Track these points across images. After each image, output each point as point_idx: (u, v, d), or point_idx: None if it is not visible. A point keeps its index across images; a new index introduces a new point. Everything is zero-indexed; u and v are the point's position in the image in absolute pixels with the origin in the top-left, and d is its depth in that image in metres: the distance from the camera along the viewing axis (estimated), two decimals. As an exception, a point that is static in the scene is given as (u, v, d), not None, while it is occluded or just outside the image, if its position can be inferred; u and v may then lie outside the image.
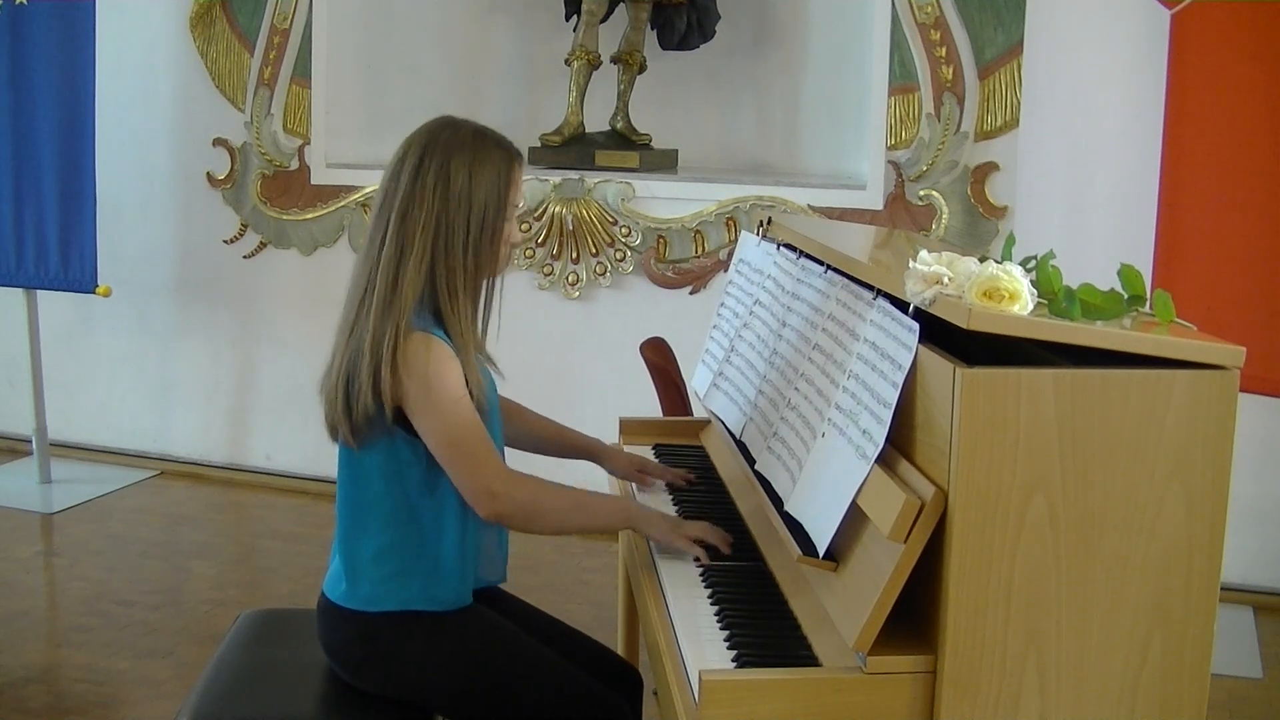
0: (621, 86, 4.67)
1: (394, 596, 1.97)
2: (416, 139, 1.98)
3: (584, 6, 4.56)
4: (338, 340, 1.97)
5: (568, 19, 4.69)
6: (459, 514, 1.97)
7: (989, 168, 4.03)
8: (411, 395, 1.88)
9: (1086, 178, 3.74)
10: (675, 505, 2.28)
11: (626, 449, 2.61)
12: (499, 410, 2.10)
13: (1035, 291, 1.59)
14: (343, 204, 4.66)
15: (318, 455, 4.70)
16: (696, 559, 2.03)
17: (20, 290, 4.61)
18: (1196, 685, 1.58)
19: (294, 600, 3.67)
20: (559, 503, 2.01)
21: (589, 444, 2.35)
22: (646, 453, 2.59)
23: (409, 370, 1.88)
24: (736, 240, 3.22)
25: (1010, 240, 1.88)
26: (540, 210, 4.39)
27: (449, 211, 1.93)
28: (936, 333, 1.62)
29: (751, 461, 2.06)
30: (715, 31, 4.64)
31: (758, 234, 2.54)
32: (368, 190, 4.61)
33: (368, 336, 1.90)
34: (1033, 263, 1.68)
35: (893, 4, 4.05)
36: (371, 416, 1.90)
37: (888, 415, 1.62)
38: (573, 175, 4.40)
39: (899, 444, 1.64)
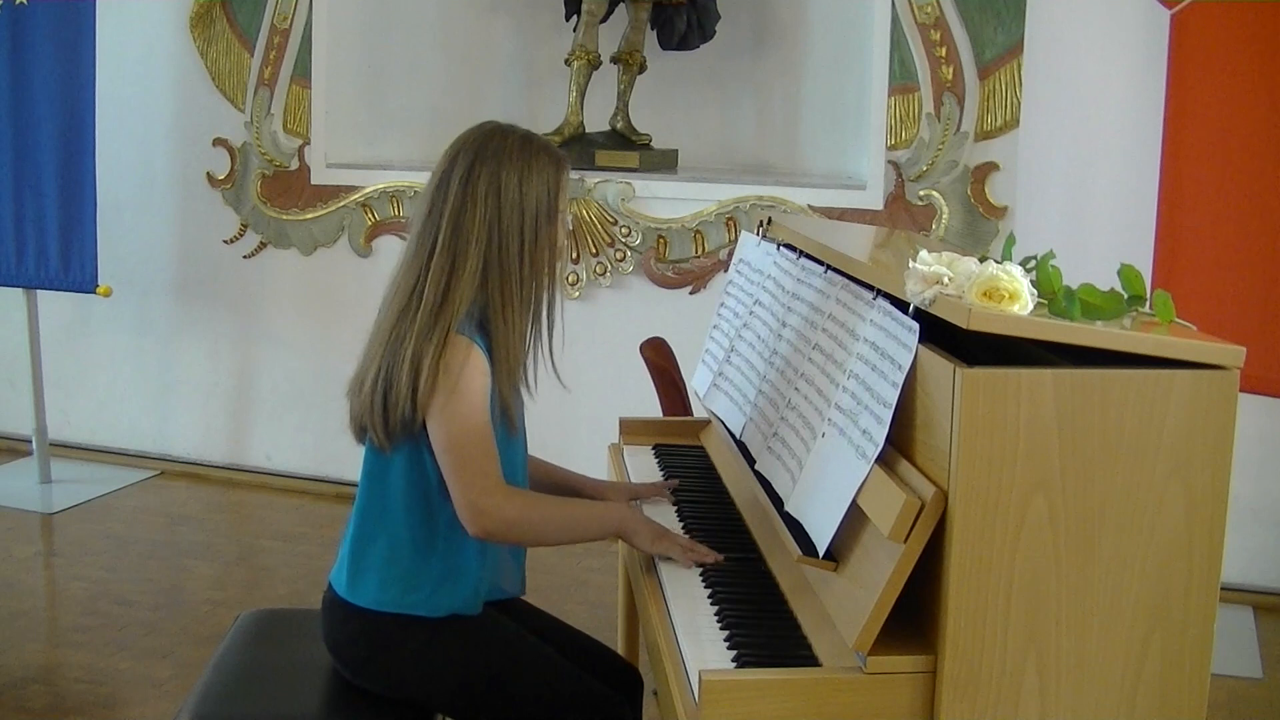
0: (621, 86, 4.66)
1: (399, 600, 1.97)
2: (465, 147, 1.97)
3: (584, 6, 4.56)
4: (373, 343, 1.96)
5: (568, 19, 4.68)
6: None
7: (989, 168, 4.03)
8: (436, 396, 1.88)
9: (1086, 178, 3.74)
10: (676, 507, 2.28)
11: (627, 449, 2.62)
12: (524, 429, 2.08)
13: (1035, 291, 1.59)
14: (343, 204, 4.66)
15: (318, 455, 4.71)
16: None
17: (20, 290, 4.61)
18: (1196, 685, 1.58)
19: (294, 600, 3.67)
20: (547, 519, 2.00)
21: (583, 486, 2.29)
22: (646, 453, 2.59)
23: (446, 372, 1.87)
24: (736, 240, 3.22)
25: (1010, 240, 1.88)
26: (540, 210, 4.39)
27: (502, 220, 1.92)
28: (936, 333, 1.62)
29: (751, 461, 2.06)
30: (715, 31, 4.64)
31: (758, 234, 2.54)
32: (368, 190, 4.62)
33: (411, 342, 1.89)
34: (1033, 263, 1.68)
35: (893, 4, 4.05)
36: (407, 420, 1.90)
37: (888, 415, 1.62)
38: (573, 175, 4.39)
39: (899, 444, 1.64)
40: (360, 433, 1.99)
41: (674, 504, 2.29)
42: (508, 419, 1.95)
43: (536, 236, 1.95)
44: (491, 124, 2.01)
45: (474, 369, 1.89)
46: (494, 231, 1.92)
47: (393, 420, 1.90)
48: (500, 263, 1.93)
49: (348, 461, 2.06)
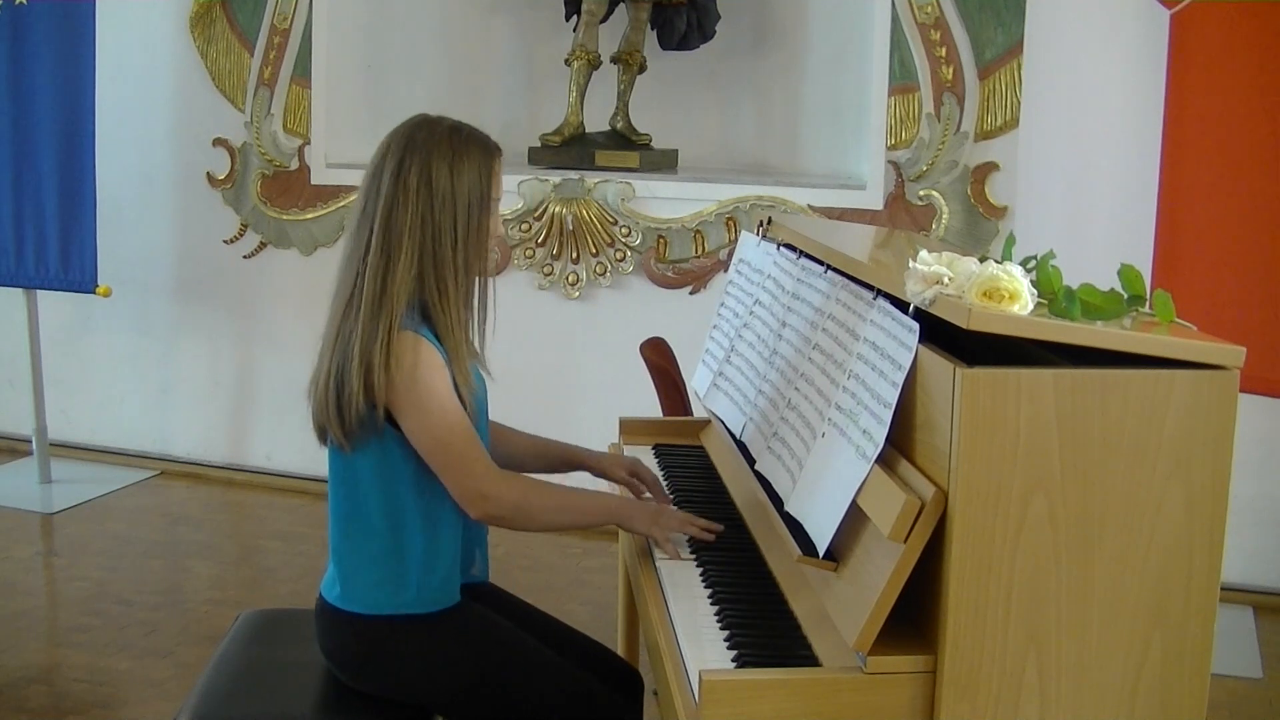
0: (621, 86, 4.67)
1: (389, 602, 1.97)
2: (394, 140, 1.98)
3: (584, 6, 4.56)
4: (324, 344, 1.97)
5: (568, 19, 4.69)
6: (451, 512, 1.98)
7: (989, 168, 4.03)
8: (399, 396, 1.89)
9: (1086, 178, 3.73)
10: (676, 507, 2.28)
11: (627, 449, 2.61)
12: (487, 412, 2.10)
13: (1035, 291, 1.59)
14: (343, 204, 4.66)
15: (318, 455, 4.60)
16: (693, 545, 2.04)
17: (20, 290, 4.61)
18: (1196, 685, 1.58)
19: (294, 600, 3.67)
20: (547, 501, 2.02)
21: (576, 454, 2.32)
22: (646, 453, 2.59)
23: (399, 369, 1.88)
24: (736, 240, 3.22)
25: (1010, 240, 1.88)
26: (540, 210, 4.39)
27: (434, 211, 1.93)
28: (936, 333, 1.62)
29: (752, 461, 2.06)
30: (715, 31, 4.64)
31: (758, 234, 2.54)
32: (368, 190, 4.61)
33: (358, 339, 1.90)
34: (1033, 263, 1.68)
35: (893, 4, 4.05)
36: (364, 418, 1.91)
37: (888, 415, 1.62)
38: (573, 175, 4.40)
39: (899, 444, 1.64)
40: (321, 434, 1.99)
41: (674, 504, 2.29)
42: (464, 405, 1.95)
43: (469, 226, 1.96)
44: (421, 116, 2.02)
45: (430, 365, 1.90)
46: (427, 225, 1.93)
47: (349, 419, 1.91)
48: (435, 255, 1.94)
49: (348, 462, 2.06)
